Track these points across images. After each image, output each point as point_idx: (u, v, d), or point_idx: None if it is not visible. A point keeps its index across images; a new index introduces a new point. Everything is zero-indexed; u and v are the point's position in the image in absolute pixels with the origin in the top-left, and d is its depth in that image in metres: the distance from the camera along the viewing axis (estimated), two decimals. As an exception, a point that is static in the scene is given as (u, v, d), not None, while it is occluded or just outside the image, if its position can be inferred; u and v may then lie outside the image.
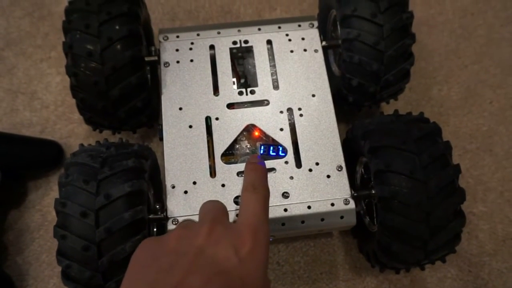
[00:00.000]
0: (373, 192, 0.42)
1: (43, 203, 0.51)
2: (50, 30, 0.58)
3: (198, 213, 0.39)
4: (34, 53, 0.57)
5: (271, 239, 0.43)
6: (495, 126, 0.55)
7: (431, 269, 0.48)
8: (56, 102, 0.55)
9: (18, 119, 0.54)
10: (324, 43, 0.48)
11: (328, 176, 0.42)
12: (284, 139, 0.43)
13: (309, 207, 0.40)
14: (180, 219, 0.40)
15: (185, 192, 0.41)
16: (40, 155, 0.50)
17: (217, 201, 0.33)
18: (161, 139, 0.44)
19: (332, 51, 0.53)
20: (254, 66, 0.47)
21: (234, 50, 0.48)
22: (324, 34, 0.50)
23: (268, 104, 0.45)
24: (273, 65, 0.46)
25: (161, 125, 0.44)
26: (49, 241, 0.49)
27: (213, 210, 0.31)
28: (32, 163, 0.50)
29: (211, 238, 0.28)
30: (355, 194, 0.41)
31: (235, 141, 0.43)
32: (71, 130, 0.54)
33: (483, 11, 0.61)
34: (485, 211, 0.51)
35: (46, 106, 0.55)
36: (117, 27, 0.42)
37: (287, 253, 0.48)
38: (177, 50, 0.46)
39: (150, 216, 0.39)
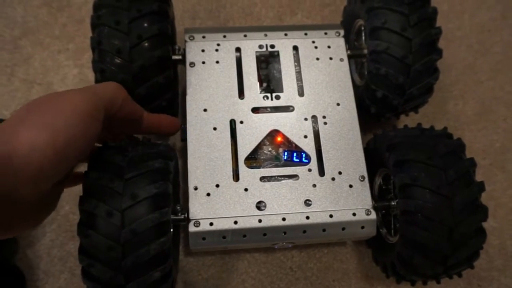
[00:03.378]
0: (393, 203, 0.42)
1: (56, 196, 0.50)
2: (68, 22, 0.57)
3: (221, 216, 0.40)
4: (51, 43, 0.56)
5: (290, 246, 0.43)
6: (508, 143, 0.55)
7: (441, 282, 0.48)
8: (72, 95, 0.54)
9: (33, 110, 0.53)
10: (348, 52, 0.48)
11: (351, 186, 0.42)
12: (308, 146, 0.43)
13: (331, 216, 0.41)
14: (202, 222, 0.39)
15: (208, 194, 0.40)
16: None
17: None
18: (183, 139, 0.44)
19: (354, 60, 0.53)
20: (279, 71, 0.46)
21: (258, 54, 0.47)
22: (347, 42, 0.50)
23: (293, 110, 0.45)
24: (298, 72, 0.46)
25: (184, 125, 0.44)
26: (61, 236, 0.48)
27: None
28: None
29: None
30: (375, 205, 0.42)
31: (258, 145, 0.43)
32: (87, 124, 0.53)
33: (500, 29, 0.62)
34: (495, 227, 0.51)
35: (62, 98, 0.54)
36: (147, 25, 0.41)
37: (300, 259, 0.49)
38: (203, 50, 0.46)
39: (172, 217, 0.39)
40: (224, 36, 0.47)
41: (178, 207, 0.40)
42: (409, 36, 0.43)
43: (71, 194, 0.50)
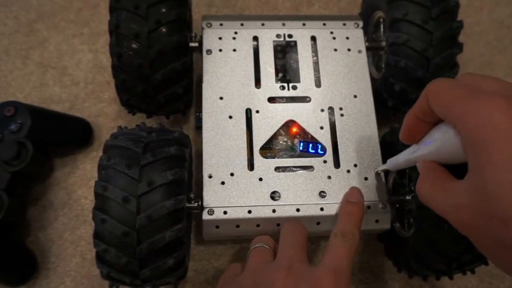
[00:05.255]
0: (408, 198, 0.42)
1: (69, 181, 0.50)
2: (83, 6, 0.57)
3: (235, 205, 0.40)
4: (66, 27, 0.56)
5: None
6: (524, 141, 0.55)
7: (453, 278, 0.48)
8: (86, 80, 0.54)
9: (47, 94, 0.53)
10: (367, 44, 0.47)
11: (366, 179, 0.42)
12: (324, 138, 0.43)
13: (345, 208, 0.40)
14: (216, 210, 0.39)
15: (222, 183, 0.40)
16: (71, 132, 0.50)
17: (298, 227, 0.35)
18: (198, 127, 0.44)
19: (371, 53, 0.52)
20: (296, 62, 0.46)
21: (275, 43, 0.47)
22: (365, 34, 0.49)
23: (309, 101, 0.44)
24: (316, 62, 0.46)
25: (199, 113, 0.44)
26: (72, 220, 0.49)
27: (292, 245, 0.33)
28: (63, 139, 0.50)
29: (287, 285, 0.30)
30: (390, 199, 0.41)
31: (274, 135, 0.43)
32: (100, 110, 0.53)
33: (520, 25, 0.61)
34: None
35: (76, 83, 0.54)
36: (165, 10, 0.41)
37: (311, 251, 0.48)
38: (220, 38, 0.46)
39: (186, 205, 0.39)
40: (242, 24, 0.47)
41: (192, 195, 0.40)
42: (430, 29, 0.42)
43: (84, 179, 0.50)
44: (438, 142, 0.29)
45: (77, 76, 0.54)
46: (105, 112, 0.53)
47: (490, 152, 0.22)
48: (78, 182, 0.50)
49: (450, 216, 0.27)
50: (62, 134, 0.50)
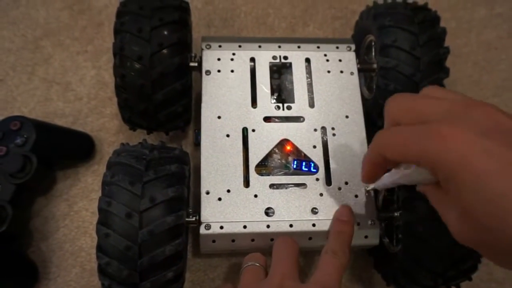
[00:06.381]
0: (396, 215, 0.44)
1: (70, 193, 0.52)
2: (88, 24, 0.59)
3: (231, 220, 0.42)
4: (71, 45, 0.58)
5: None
6: None
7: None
8: (89, 95, 0.56)
9: (51, 108, 0.55)
10: (358, 66, 0.50)
11: (356, 196, 0.44)
12: (316, 156, 0.45)
13: (336, 225, 0.42)
14: (213, 225, 0.41)
15: (219, 199, 0.42)
16: (73, 146, 0.52)
17: (290, 243, 0.37)
18: (197, 144, 0.46)
19: (363, 74, 0.55)
20: (291, 82, 0.48)
21: (271, 64, 0.49)
22: (357, 56, 0.51)
23: (303, 121, 0.46)
24: (310, 83, 0.48)
25: (197, 130, 0.46)
26: (73, 231, 0.50)
27: (284, 261, 0.35)
28: (66, 153, 0.51)
29: None
30: (379, 215, 0.43)
31: (269, 153, 0.45)
32: (102, 124, 0.55)
33: (507, 47, 0.64)
34: (493, 240, 0.53)
35: (80, 98, 0.56)
36: (167, 33, 0.43)
37: (304, 264, 0.50)
38: (218, 59, 0.48)
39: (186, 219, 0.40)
40: (240, 46, 0.49)
41: (190, 210, 0.42)
42: (418, 55, 0.45)
43: (85, 191, 0.52)
44: (418, 169, 0.31)
45: (81, 91, 0.56)
46: (106, 126, 0.55)
47: (457, 180, 0.25)
48: (80, 194, 0.52)
49: (451, 229, 0.28)
50: (65, 147, 0.51)
